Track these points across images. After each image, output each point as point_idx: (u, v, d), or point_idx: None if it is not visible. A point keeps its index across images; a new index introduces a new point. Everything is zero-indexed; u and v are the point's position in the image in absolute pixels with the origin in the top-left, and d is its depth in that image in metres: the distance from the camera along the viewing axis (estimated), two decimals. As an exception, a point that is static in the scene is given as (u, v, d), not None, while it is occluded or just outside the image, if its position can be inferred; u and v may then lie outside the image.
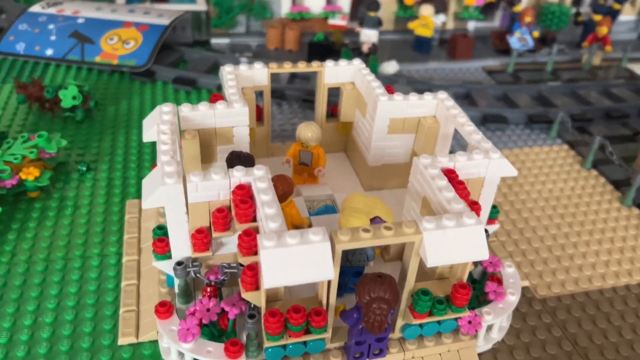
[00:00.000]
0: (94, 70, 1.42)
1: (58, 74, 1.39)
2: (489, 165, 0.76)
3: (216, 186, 0.68)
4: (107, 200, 0.98)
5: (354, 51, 1.58)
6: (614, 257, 0.96)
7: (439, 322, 0.72)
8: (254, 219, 0.67)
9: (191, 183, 0.67)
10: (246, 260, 0.65)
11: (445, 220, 0.63)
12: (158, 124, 0.77)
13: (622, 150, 1.25)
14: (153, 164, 0.87)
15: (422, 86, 1.44)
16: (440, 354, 0.74)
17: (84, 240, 0.89)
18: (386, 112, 0.91)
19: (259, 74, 0.96)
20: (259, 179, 0.68)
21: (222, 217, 0.69)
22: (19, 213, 0.93)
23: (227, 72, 0.93)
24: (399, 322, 0.71)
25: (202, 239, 0.70)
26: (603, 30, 1.64)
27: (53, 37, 1.44)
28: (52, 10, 1.53)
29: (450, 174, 0.73)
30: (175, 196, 0.67)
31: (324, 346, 0.68)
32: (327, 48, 1.56)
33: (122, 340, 0.73)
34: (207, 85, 1.38)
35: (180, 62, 1.50)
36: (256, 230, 0.65)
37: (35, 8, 1.54)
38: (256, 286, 0.65)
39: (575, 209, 1.07)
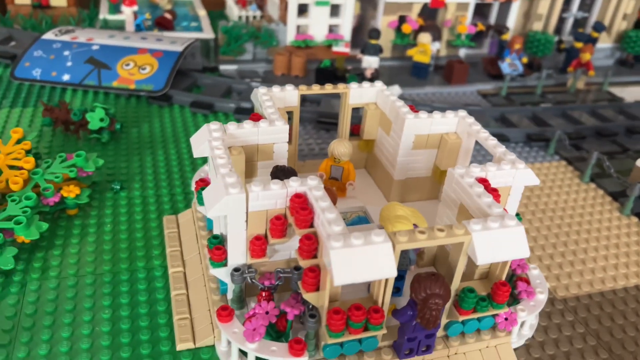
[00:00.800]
0: (111, 95, 1.46)
1: (76, 99, 1.42)
2: (515, 174, 0.84)
3: (275, 195, 0.73)
4: (144, 217, 1.02)
5: (358, 76, 1.66)
6: (622, 260, 1.03)
7: (478, 320, 0.77)
8: (311, 225, 0.72)
9: (253, 192, 0.72)
10: (307, 263, 0.70)
11: (491, 222, 0.70)
12: (210, 141, 0.82)
13: (614, 165, 1.35)
14: (198, 180, 0.92)
15: (425, 108, 1.53)
16: (480, 350, 0.79)
17: (128, 255, 0.92)
18: (412, 129, 0.98)
19: (290, 95, 1.02)
20: (314, 187, 0.73)
21: (280, 224, 0.74)
22: (60, 230, 0.96)
23: (262, 93, 0.98)
24: (443, 320, 0.77)
25: (260, 245, 0.74)
26: (586, 56, 1.77)
27: (69, 63, 1.48)
28: (66, 38, 1.57)
29: (483, 182, 0.80)
30: (238, 205, 0.72)
31: (377, 344, 0.73)
32: (333, 74, 1.63)
33: (180, 346, 0.77)
34: (223, 109, 1.44)
35: (194, 87, 1.56)
36: (315, 235, 0.71)
37: (49, 35, 1.58)
38: (316, 287, 0.70)
39: (580, 218, 1.15)
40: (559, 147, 1.40)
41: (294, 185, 0.74)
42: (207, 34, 1.77)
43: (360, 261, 0.64)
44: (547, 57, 1.97)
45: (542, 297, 0.83)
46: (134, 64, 1.48)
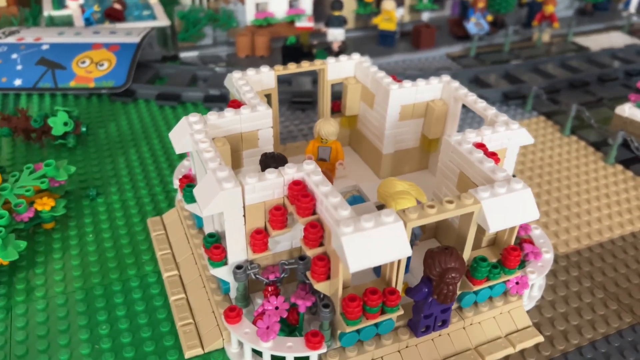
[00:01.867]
0: (70, 96, 1.37)
1: (32, 104, 1.33)
2: (510, 135, 0.82)
3: (272, 185, 0.69)
4: (126, 221, 0.96)
5: (326, 51, 1.61)
6: (614, 209, 1.04)
7: (490, 288, 0.76)
8: (314, 212, 0.69)
9: (248, 185, 0.67)
10: (314, 252, 0.67)
11: (498, 188, 0.68)
12: (192, 134, 0.77)
13: (592, 115, 1.35)
14: (182, 176, 0.86)
15: (399, 77, 1.49)
16: (494, 317, 0.78)
17: (117, 263, 0.87)
18: (397, 100, 0.95)
19: (266, 77, 0.97)
20: (312, 172, 0.69)
21: (280, 215, 0.70)
22: (39, 246, 0.90)
23: (237, 78, 0.93)
24: (456, 293, 0.75)
25: (261, 239, 0.71)
26: (550, 8, 1.76)
27: (19, 67, 1.38)
28: (11, 40, 1.46)
29: (481, 147, 0.78)
30: (234, 200, 0.67)
31: (393, 325, 0.71)
32: (299, 50, 1.58)
33: (189, 354, 0.73)
34: (190, 98, 1.37)
35: (157, 78, 1.48)
36: (318, 222, 0.67)
37: (-8, 39, 1.47)
38: (327, 276, 0.67)
39: (567, 172, 1.15)
40: (535, 103, 1.40)
41: (290, 172, 0.70)
42: (163, 21, 1.68)
43: (374, 244, 0.61)
44: (510, 14, 1.96)
45: (548, 257, 0.83)
46: (90, 61, 1.40)
